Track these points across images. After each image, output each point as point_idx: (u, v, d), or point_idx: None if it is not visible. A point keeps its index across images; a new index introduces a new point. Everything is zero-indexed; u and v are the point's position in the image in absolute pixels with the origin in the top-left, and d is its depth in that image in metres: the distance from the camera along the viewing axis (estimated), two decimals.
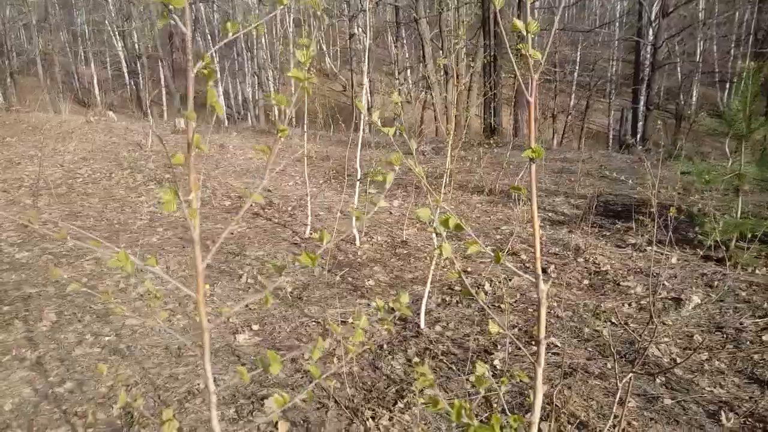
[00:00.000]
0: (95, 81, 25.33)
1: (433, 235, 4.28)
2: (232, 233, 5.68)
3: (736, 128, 5.00)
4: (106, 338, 3.57)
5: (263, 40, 23.69)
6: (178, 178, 7.72)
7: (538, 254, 1.23)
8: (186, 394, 2.96)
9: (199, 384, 3.05)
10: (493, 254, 1.22)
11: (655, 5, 19.24)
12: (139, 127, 12.08)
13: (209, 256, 1.20)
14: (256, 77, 24.14)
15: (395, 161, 1.28)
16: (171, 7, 0.98)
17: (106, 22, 25.69)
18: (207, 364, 1.13)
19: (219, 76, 25.98)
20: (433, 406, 1.18)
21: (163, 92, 21.84)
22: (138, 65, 22.04)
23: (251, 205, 6.62)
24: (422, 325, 3.80)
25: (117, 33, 25.52)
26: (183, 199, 1.08)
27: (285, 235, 5.74)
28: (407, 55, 28.35)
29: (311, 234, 5.71)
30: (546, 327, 3.75)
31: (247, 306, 4.10)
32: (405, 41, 26.85)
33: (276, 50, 23.51)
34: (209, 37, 27.31)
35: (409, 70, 27.86)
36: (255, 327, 3.74)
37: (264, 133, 13.21)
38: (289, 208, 6.59)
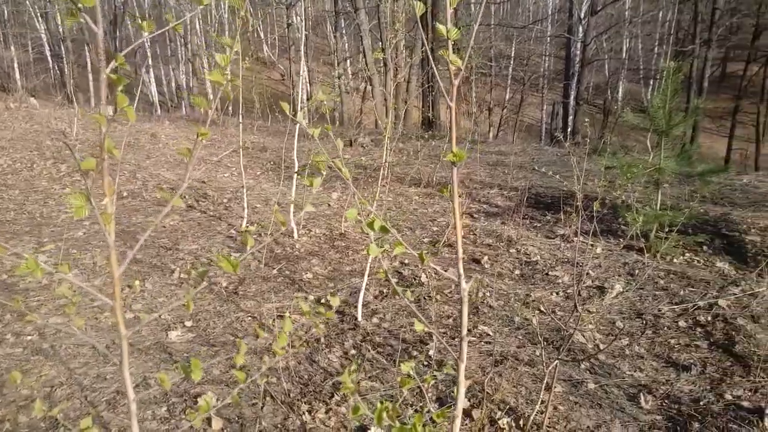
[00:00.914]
0: (15, 65, 23.82)
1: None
2: (164, 226, 5.52)
3: (656, 124, 5.27)
4: (29, 338, 3.40)
5: (197, 26, 22.98)
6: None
7: (460, 254, 1.27)
8: (115, 394, 2.87)
9: None
10: (417, 255, 1.25)
11: (584, 4, 19.96)
12: (63, 114, 11.48)
13: (126, 262, 1.17)
14: (190, 64, 23.41)
15: (321, 165, 1.28)
16: (80, 5, 0.94)
17: (27, 2, 24.16)
18: (125, 372, 1.10)
19: (150, 62, 24.99)
20: (354, 412, 1.21)
21: (90, 77, 20.81)
22: (62, 48, 20.88)
23: (184, 197, 6.44)
24: (359, 318, 3.83)
25: (39, 15, 24.06)
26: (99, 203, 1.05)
27: (220, 228, 5.62)
28: (347, 46, 28.19)
29: (247, 227, 5.61)
30: (478, 317, 3.86)
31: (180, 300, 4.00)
32: (344, 31, 26.68)
33: (210, 37, 22.85)
34: (138, 20, 26.06)
35: (348, 61, 27.73)
36: (188, 323, 3.66)
37: (199, 122, 12.84)
38: (225, 200, 6.46)
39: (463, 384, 1.26)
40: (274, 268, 4.67)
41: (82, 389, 2.92)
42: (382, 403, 1.25)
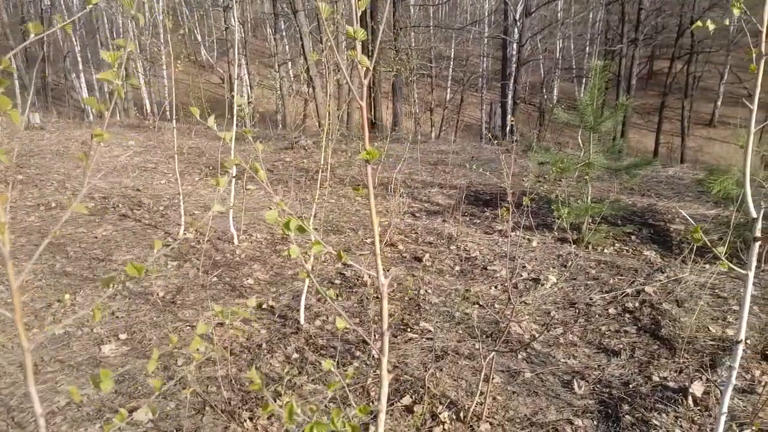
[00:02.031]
0: None
1: (311, 229, 4.28)
2: (97, 237, 5.32)
3: (585, 121, 5.48)
4: None
5: (130, 30, 22.21)
6: (32, 180, 7.08)
7: (377, 250, 1.29)
8: (45, 414, 2.75)
9: (59, 401, 2.85)
10: (335, 253, 1.26)
11: (519, 5, 20.50)
12: None
13: (25, 272, 1.13)
14: (123, 69, 22.51)
15: (228, 165, 1.28)
16: None
17: None
18: (31, 387, 1.07)
19: (81, 66, 23.97)
20: (265, 407, 1.21)
21: (16, 84, 19.77)
22: None
23: (118, 206, 6.23)
24: (302, 321, 3.81)
25: None
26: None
27: (156, 236, 5.47)
28: (287, 48, 27.92)
29: (185, 234, 5.49)
30: (420, 314, 3.91)
31: (113, 313, 3.87)
32: (284, 34, 26.43)
33: (145, 40, 22.12)
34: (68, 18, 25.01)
35: (289, 64, 27.46)
36: (122, 336, 3.55)
37: (133, 128, 12.43)
38: (161, 208, 6.28)
39: (386, 378, 1.29)
40: (213, 276, 4.59)
41: (8, 410, 2.78)
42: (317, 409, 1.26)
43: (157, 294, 4.19)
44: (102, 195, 6.59)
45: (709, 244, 1.61)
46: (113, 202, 6.36)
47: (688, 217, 2.79)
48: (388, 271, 4.74)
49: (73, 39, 23.09)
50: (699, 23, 1.87)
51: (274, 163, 8.89)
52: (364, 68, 1.12)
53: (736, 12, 1.71)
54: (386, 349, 1.29)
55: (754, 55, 1.56)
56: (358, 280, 4.55)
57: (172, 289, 4.31)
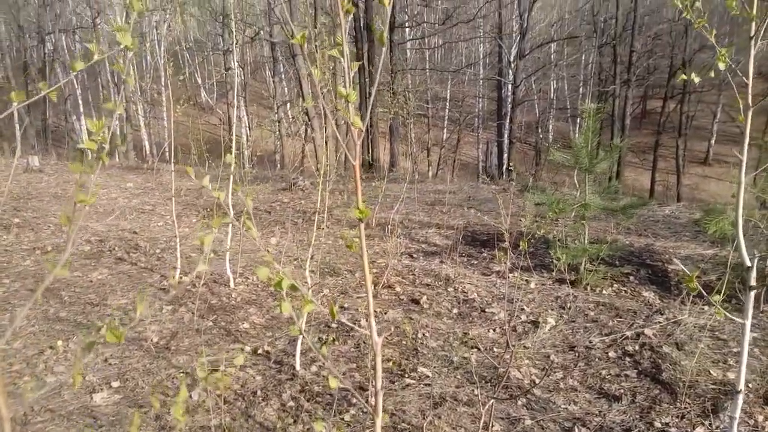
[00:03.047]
0: None
1: (307, 272, 4.27)
2: (92, 281, 5.28)
3: (581, 162, 5.53)
4: None
5: (132, 72, 22.63)
6: (28, 223, 7.08)
7: (371, 309, 1.28)
8: None
9: None
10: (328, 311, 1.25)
11: (513, 48, 20.97)
12: None
13: (19, 318, 1.12)
14: (124, 111, 22.88)
15: (215, 224, 1.27)
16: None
17: None
18: None
19: (82, 109, 24.28)
20: None
21: (17, 127, 19.98)
22: None
23: (114, 249, 6.21)
24: (298, 367, 3.75)
25: None
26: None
27: (152, 280, 5.43)
28: (286, 90, 28.37)
29: (181, 278, 5.45)
30: (417, 359, 3.86)
31: (106, 360, 3.81)
32: (283, 76, 26.89)
33: (146, 83, 22.53)
34: (69, 67, 25.52)
35: (288, 105, 27.86)
36: (115, 384, 3.48)
37: (132, 170, 12.51)
38: (158, 251, 6.27)
39: None
40: (208, 320, 4.54)
41: None
42: None
43: (151, 339, 4.14)
44: (99, 238, 6.58)
45: (704, 293, 1.60)
46: (110, 245, 6.35)
47: (681, 265, 2.78)
48: (385, 314, 4.69)
49: (75, 82, 23.45)
50: (683, 76, 1.91)
51: (271, 204, 8.91)
52: (357, 129, 1.14)
53: (721, 66, 1.75)
54: (380, 409, 1.27)
55: (741, 106, 1.59)
56: (355, 323, 4.50)
57: (167, 334, 4.26)
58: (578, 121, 27.43)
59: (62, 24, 23.80)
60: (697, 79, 1.95)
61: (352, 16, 18.55)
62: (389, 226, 7.00)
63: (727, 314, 1.57)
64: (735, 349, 3.92)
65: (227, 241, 5.79)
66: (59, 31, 23.50)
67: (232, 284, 5.29)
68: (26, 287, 5.17)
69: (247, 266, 5.88)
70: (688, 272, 1.59)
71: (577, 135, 5.85)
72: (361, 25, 17.67)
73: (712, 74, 1.95)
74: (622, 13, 19.89)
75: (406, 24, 20.54)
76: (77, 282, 5.29)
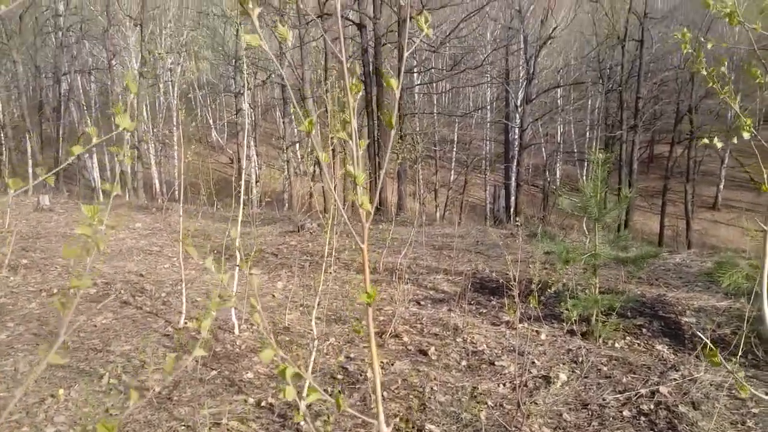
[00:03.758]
0: None
1: (313, 323, 4.21)
2: (96, 325, 5.23)
3: (590, 212, 5.49)
4: None
5: (144, 112, 23.04)
6: (35, 264, 7.07)
7: (378, 396, 1.23)
8: None
9: None
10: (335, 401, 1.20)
11: (519, 92, 21.25)
12: None
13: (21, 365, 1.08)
14: (136, 149, 23.23)
15: (213, 307, 1.23)
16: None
17: None
18: None
19: (94, 147, 24.60)
20: None
21: (29, 165, 20.27)
22: (1, 135, 20.46)
23: (120, 293, 6.17)
24: (302, 422, 3.65)
25: None
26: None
27: (157, 325, 5.37)
28: (295, 131, 28.74)
29: (186, 323, 5.39)
30: (425, 414, 3.75)
31: (107, 411, 3.73)
32: (293, 117, 27.26)
33: (158, 122, 22.90)
34: (84, 107, 26.06)
35: (297, 145, 28.17)
36: None
37: (141, 209, 12.57)
38: (163, 295, 6.22)
39: None
40: (212, 369, 4.46)
41: None
42: None
43: (153, 389, 4.06)
44: (105, 280, 6.55)
45: (728, 367, 1.54)
46: (115, 288, 6.31)
47: (694, 329, 2.71)
48: (392, 365, 4.60)
49: (88, 121, 23.87)
50: (706, 140, 1.89)
51: (278, 246, 8.89)
52: (365, 211, 1.11)
53: (746, 135, 1.73)
54: None
55: (765, 175, 1.56)
56: (361, 375, 4.41)
57: (169, 384, 4.17)
58: (585, 164, 27.56)
59: (78, 65, 24.41)
60: (719, 144, 1.94)
61: (361, 60, 18.92)
62: (397, 272, 6.94)
63: (754, 391, 1.51)
64: (754, 410, 3.79)
65: (233, 286, 5.74)
66: (75, 72, 24.08)
67: (236, 331, 5.22)
68: (30, 331, 5.12)
69: (252, 312, 5.81)
70: (705, 339, 1.53)
71: (585, 179, 5.82)
72: (370, 69, 18.00)
73: (735, 141, 1.93)
74: (627, 60, 20.20)
75: (415, 69, 20.90)
76: (82, 326, 5.23)
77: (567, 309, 5.26)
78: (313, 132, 1.21)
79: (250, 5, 1.11)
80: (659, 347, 5.00)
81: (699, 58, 1.80)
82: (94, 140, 1.39)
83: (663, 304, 6.17)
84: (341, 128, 1.21)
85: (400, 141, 14.09)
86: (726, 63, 2.20)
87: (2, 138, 19.56)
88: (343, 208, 5.63)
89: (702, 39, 2.09)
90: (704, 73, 1.89)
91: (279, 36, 1.15)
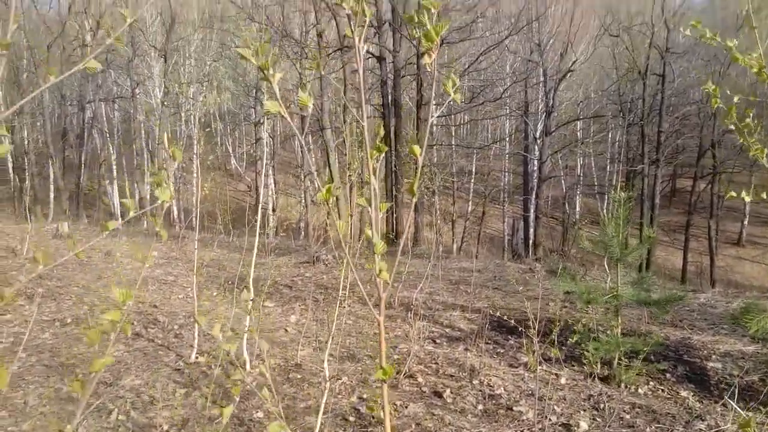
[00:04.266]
0: None
1: (325, 363, 4.10)
2: None
3: (611, 252, 5.36)
4: None
5: (165, 139, 23.36)
6: (51, 293, 7.09)
7: None
8: None
9: None
10: None
11: (539, 125, 21.21)
12: (16, 229, 11.17)
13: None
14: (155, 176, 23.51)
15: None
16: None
17: None
18: None
19: (115, 174, 25.06)
20: None
21: (51, 190, 20.61)
22: (25, 161, 20.92)
23: (132, 324, 6.13)
24: None
25: (5, 128, 24.15)
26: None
27: (168, 359, 5.30)
28: (313, 160, 28.96)
29: (197, 358, 5.32)
30: None
31: None
32: (311, 147, 27.51)
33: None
34: (107, 134, 26.56)
35: (315, 174, 28.33)
36: None
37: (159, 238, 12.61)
38: (176, 327, 6.17)
39: None
40: (222, 406, 4.35)
41: None
42: None
43: (162, 427, 3.97)
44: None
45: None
46: (129, 319, 6.27)
47: (720, 375, 2.56)
48: (406, 407, 4.46)
49: (111, 148, 24.29)
50: (733, 194, 1.81)
51: (293, 278, 8.83)
52: (383, 281, 1.04)
53: None
54: None
55: None
56: (373, 418, 4.27)
57: (178, 421, 4.08)
58: (606, 197, 27.29)
59: (103, 93, 24.99)
60: (748, 199, 1.85)
61: (380, 92, 19.08)
62: (413, 308, 6.82)
63: None
64: None
65: (246, 320, 5.67)
66: (99, 100, 24.63)
67: (248, 367, 5.12)
68: (42, 362, 5.08)
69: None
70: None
71: (605, 213, 5.70)
72: (389, 101, 18.14)
73: (765, 196, 1.85)
74: (648, 94, 20.10)
75: (433, 101, 21.01)
76: (91, 359, 5.18)
77: (588, 351, 5.09)
78: (331, 199, 1.20)
79: (271, 72, 1.10)
80: (684, 393, 4.80)
81: (730, 113, 1.73)
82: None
83: (688, 348, 5.96)
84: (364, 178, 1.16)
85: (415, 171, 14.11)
86: (752, 113, 2.12)
87: (26, 163, 19.99)
88: (359, 241, 5.52)
89: (728, 91, 2.02)
90: (732, 127, 1.82)
91: (300, 102, 1.16)
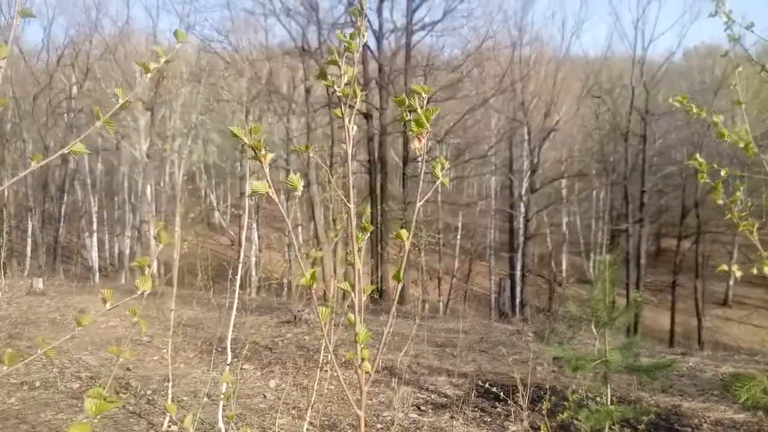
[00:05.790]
0: None
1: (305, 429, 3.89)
2: None
3: (599, 317, 5.25)
4: None
5: (148, 192, 23.22)
6: (21, 354, 6.76)
7: None
8: None
9: None
10: None
11: (524, 182, 21.45)
12: None
13: None
14: (136, 231, 23.28)
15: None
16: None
17: None
18: None
19: (96, 227, 24.71)
20: None
21: (28, 243, 20.20)
22: (4, 213, 20.57)
23: (103, 388, 5.84)
24: None
25: None
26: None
27: (139, 428, 5.01)
28: (298, 214, 28.91)
29: (169, 426, 5.03)
30: None
31: None
32: (297, 200, 27.52)
33: (162, 203, 23.07)
34: (89, 186, 26.32)
35: (300, 228, 28.24)
36: None
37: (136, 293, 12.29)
38: (149, 392, 5.88)
39: None
40: None
41: None
42: None
43: None
44: (89, 374, 6.24)
45: None
46: (100, 383, 5.98)
47: None
48: None
49: (92, 201, 23.99)
50: (724, 267, 1.76)
51: (274, 339, 8.57)
52: (366, 373, 0.94)
53: (767, 270, 1.61)
54: None
55: None
56: None
57: None
58: (591, 255, 27.36)
59: (87, 146, 24.77)
60: (739, 274, 1.80)
61: (367, 148, 19.26)
62: (397, 372, 6.60)
63: None
64: None
65: (223, 386, 5.41)
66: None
67: None
68: (6, 429, 4.78)
69: (241, 414, 5.46)
70: None
71: (591, 271, 5.63)
72: (375, 157, 18.30)
73: (755, 271, 1.79)
74: (631, 154, 20.50)
75: (418, 158, 21.23)
76: (60, 426, 4.89)
77: (578, 419, 4.90)
78: (314, 285, 1.15)
79: (263, 152, 1.08)
80: None
81: (717, 190, 1.69)
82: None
83: (678, 416, 5.79)
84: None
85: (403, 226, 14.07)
86: (742, 188, 2.09)
87: (5, 215, 19.73)
88: (343, 298, 5.38)
89: (715, 165, 2.00)
90: (720, 202, 1.79)
91: (290, 186, 1.13)
